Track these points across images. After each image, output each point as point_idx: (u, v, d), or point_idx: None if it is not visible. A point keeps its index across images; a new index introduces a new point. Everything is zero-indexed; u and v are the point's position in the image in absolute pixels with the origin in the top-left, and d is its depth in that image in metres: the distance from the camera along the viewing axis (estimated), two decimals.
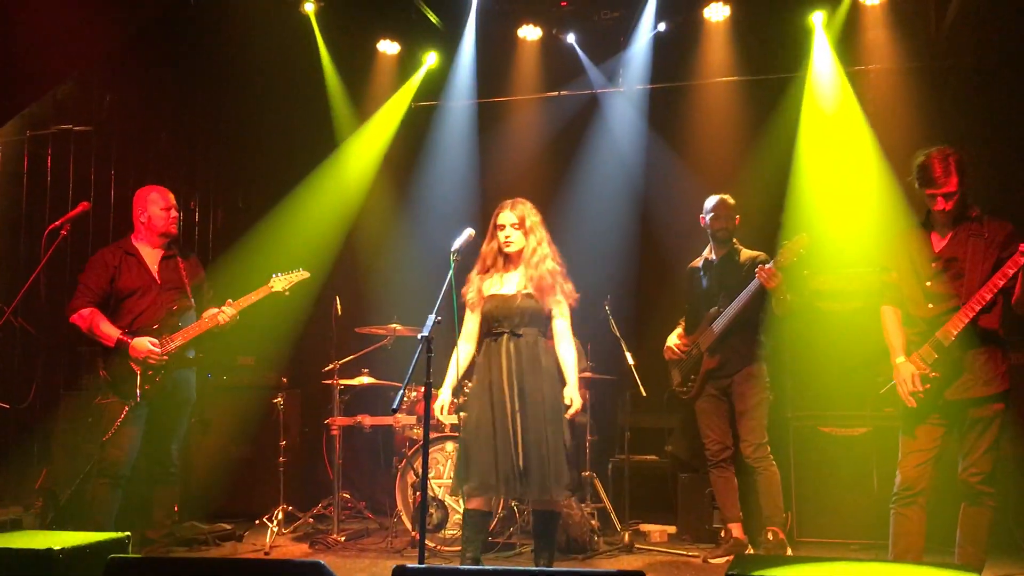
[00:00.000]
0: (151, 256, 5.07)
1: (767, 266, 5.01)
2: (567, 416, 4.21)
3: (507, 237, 4.27)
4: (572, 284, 4.39)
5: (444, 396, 4.33)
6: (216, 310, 5.02)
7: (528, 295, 4.22)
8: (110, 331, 4.85)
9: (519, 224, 4.27)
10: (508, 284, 4.28)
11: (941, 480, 4.08)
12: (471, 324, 4.40)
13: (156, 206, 5.06)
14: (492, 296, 4.28)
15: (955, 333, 3.87)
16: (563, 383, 4.30)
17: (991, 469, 3.94)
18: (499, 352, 4.20)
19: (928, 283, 4.03)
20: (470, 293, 4.32)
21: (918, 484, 3.97)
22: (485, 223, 4.53)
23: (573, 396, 4.23)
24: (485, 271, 4.36)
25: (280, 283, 5.13)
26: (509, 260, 4.30)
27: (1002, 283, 3.78)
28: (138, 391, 4.82)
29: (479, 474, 4.12)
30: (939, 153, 3.96)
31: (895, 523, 4.03)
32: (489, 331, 4.28)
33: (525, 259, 4.27)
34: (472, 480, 4.14)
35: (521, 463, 4.07)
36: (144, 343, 4.82)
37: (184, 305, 5.03)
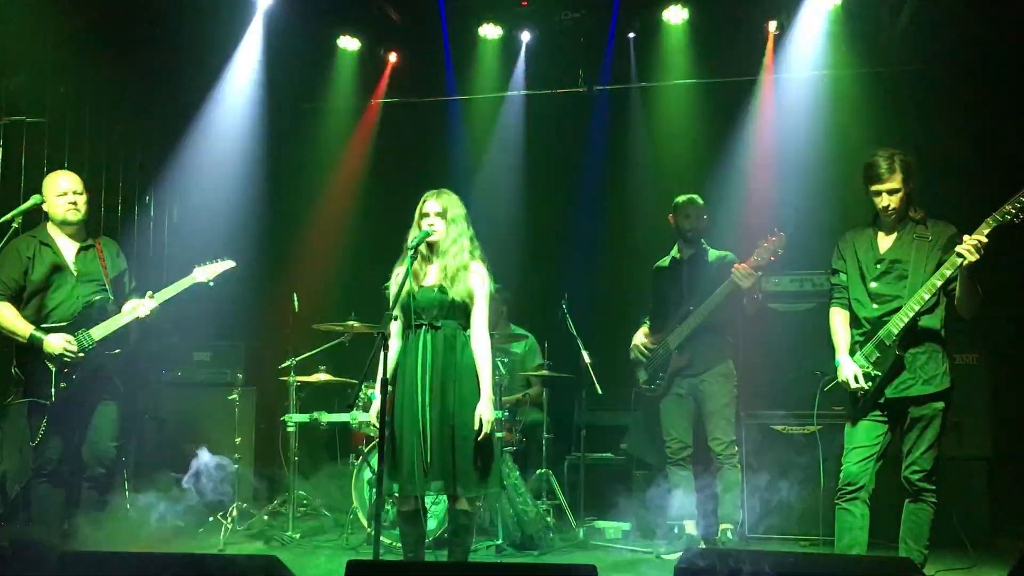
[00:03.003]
0: (67, 246, 4.83)
1: (742, 265, 5.05)
2: (478, 439, 4.00)
3: (431, 226, 4.15)
4: (490, 282, 4.22)
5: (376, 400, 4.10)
6: (136, 302, 4.82)
7: (443, 288, 4.11)
8: (22, 327, 4.61)
9: (442, 214, 4.16)
10: (428, 276, 4.18)
11: (888, 476, 4.18)
12: (398, 321, 4.21)
13: (52, 192, 4.80)
14: (411, 289, 4.11)
15: (896, 332, 3.98)
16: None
17: (931, 467, 4.04)
18: (416, 345, 4.09)
19: (873, 284, 4.13)
20: (393, 287, 4.16)
21: (860, 480, 4.06)
22: None
23: (484, 412, 4.02)
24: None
25: (203, 273, 4.97)
26: (431, 250, 4.18)
27: (940, 283, 3.89)
28: (53, 391, 4.59)
29: (399, 475, 4.03)
30: (885, 152, 4.10)
31: (839, 518, 4.13)
32: (408, 323, 4.13)
33: (443, 250, 4.15)
34: (394, 482, 4.05)
35: (429, 458, 3.97)
36: (59, 340, 4.59)
37: (102, 298, 4.82)
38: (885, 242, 4.16)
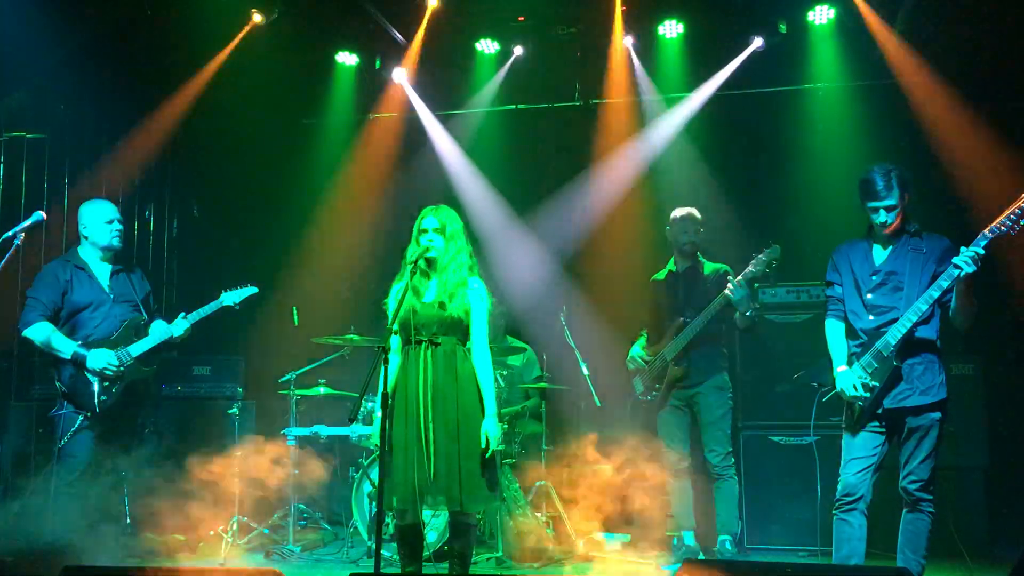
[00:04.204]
0: (100, 270, 5.11)
1: (737, 279, 5.10)
2: (486, 457, 4.01)
3: (429, 242, 4.15)
4: (491, 298, 4.25)
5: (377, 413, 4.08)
6: (166, 323, 5.11)
7: (443, 304, 4.10)
8: (66, 344, 4.88)
9: (441, 230, 4.17)
10: (428, 292, 4.17)
11: (885, 486, 4.20)
12: (398, 337, 4.21)
13: (98, 219, 5.08)
14: (410, 304, 4.12)
15: (893, 344, 4.01)
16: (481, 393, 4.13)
17: (929, 477, 4.07)
18: (417, 361, 4.08)
19: (869, 295, 4.17)
20: (392, 302, 4.14)
21: (858, 490, 4.09)
22: None
23: (490, 431, 4.03)
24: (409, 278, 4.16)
25: (230, 298, 5.25)
26: (429, 266, 4.18)
27: (937, 295, 3.92)
28: (96, 403, 4.85)
29: (398, 489, 4.02)
30: (882, 168, 4.13)
31: (837, 529, 4.15)
32: (408, 339, 4.13)
33: (443, 266, 4.16)
34: (393, 496, 4.03)
35: (432, 473, 3.97)
36: (102, 355, 4.88)
37: (137, 318, 5.11)
38: (881, 254, 4.20)
